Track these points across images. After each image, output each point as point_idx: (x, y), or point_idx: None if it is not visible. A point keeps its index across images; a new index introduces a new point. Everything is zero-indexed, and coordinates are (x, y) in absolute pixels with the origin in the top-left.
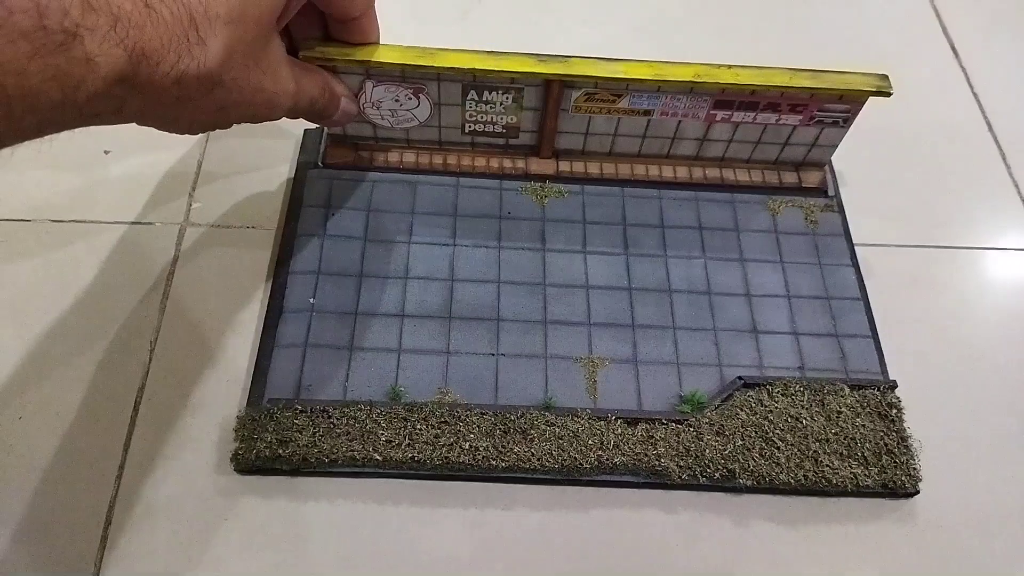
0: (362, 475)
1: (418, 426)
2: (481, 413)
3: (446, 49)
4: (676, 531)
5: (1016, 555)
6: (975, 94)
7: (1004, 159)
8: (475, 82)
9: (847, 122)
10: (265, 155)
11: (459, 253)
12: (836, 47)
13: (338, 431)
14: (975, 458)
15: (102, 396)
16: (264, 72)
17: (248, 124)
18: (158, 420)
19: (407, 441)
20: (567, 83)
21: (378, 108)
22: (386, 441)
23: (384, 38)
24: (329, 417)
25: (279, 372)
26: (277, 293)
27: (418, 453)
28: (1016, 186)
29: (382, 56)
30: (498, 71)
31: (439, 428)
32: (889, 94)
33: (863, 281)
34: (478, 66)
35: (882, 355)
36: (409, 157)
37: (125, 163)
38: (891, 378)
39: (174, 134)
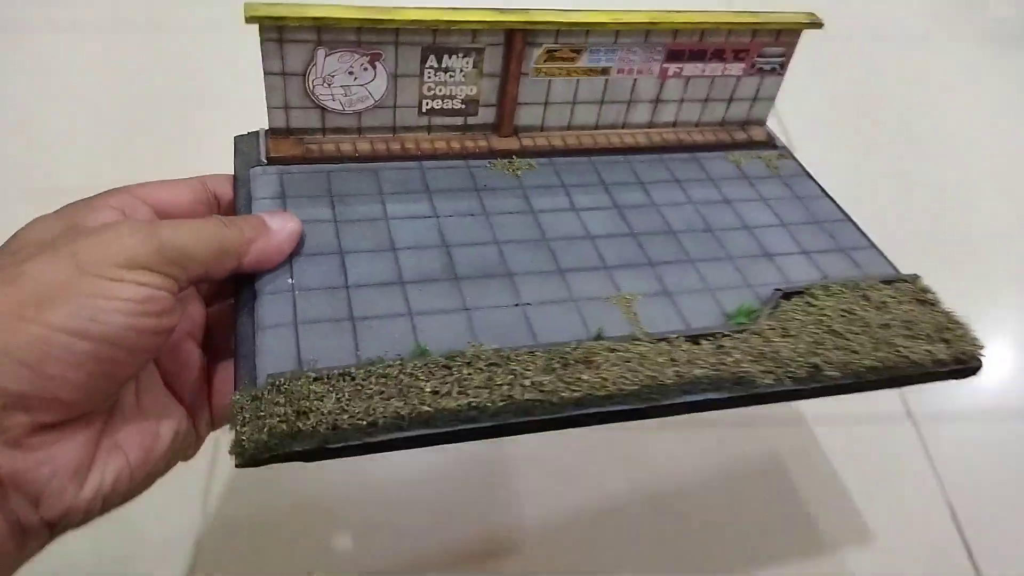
0: (409, 442)
1: (464, 371)
2: (530, 352)
3: (403, 7)
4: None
5: None
6: None
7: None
8: (435, 44)
9: (783, 68)
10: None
11: (445, 223)
12: None
13: (368, 391)
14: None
15: None
16: None
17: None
18: None
19: (457, 388)
20: (529, 37)
21: (329, 86)
22: (432, 392)
23: None
24: (353, 379)
25: (270, 351)
26: (244, 282)
27: (474, 398)
28: None
29: (337, 13)
30: (461, 22)
31: (489, 371)
32: (821, 25)
33: (842, 208)
34: (440, 19)
35: (890, 261)
36: (363, 146)
37: None
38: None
39: None
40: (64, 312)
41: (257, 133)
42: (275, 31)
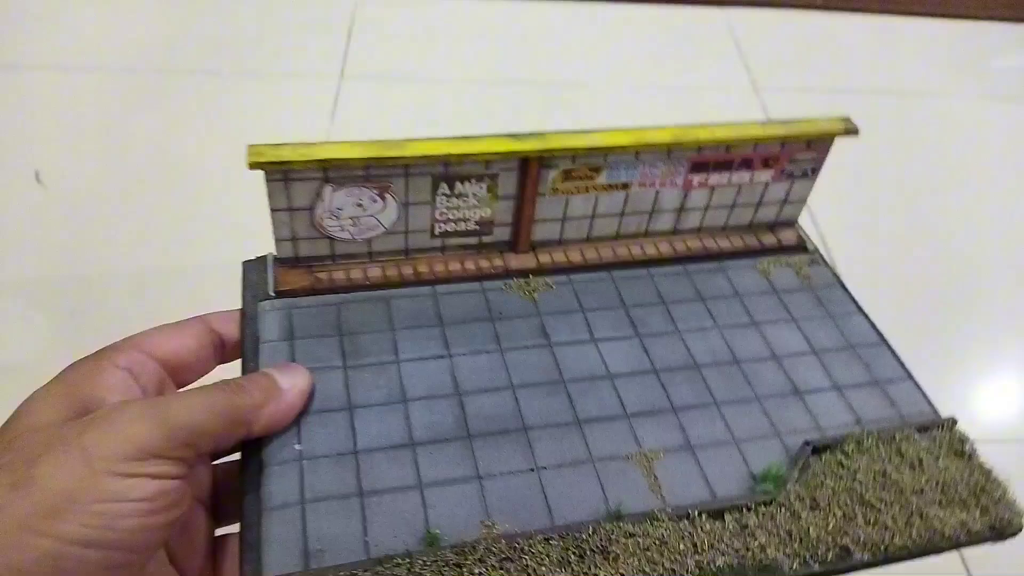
0: None
1: (476, 570)
2: (546, 539)
3: (412, 139)
4: None
5: None
6: None
7: None
8: (446, 173)
9: (815, 171)
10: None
11: (459, 363)
12: None
13: None
14: None
15: None
16: None
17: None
18: None
19: None
20: (545, 162)
21: (337, 218)
22: None
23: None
24: None
25: (276, 541)
26: (250, 445)
27: None
28: None
29: (343, 153)
30: (473, 154)
31: (502, 568)
32: (856, 132)
33: (877, 328)
34: (451, 151)
35: (927, 396)
36: (374, 271)
37: None
38: (944, 417)
39: None
40: (77, 522)
41: (265, 259)
42: (280, 173)
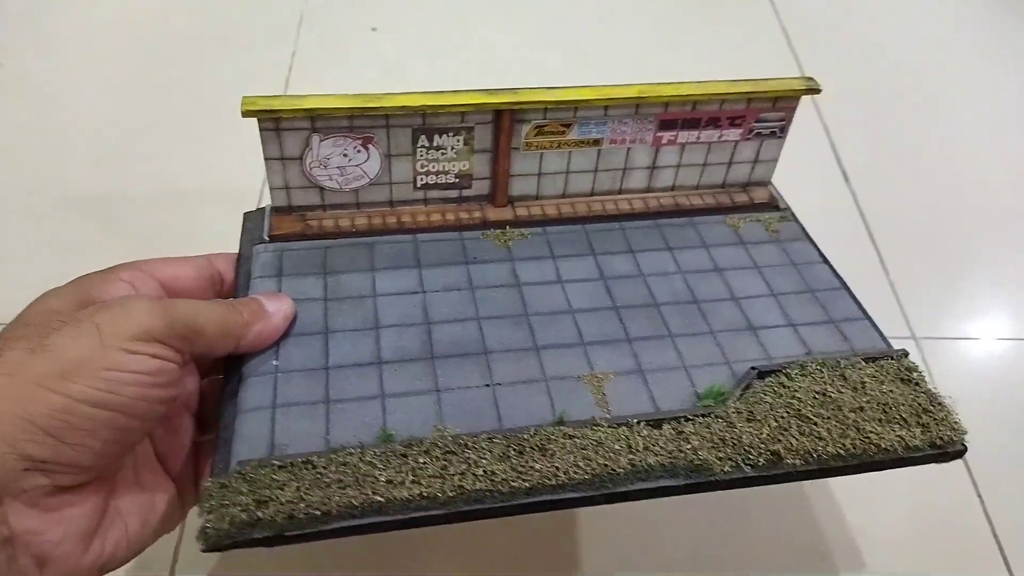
0: (362, 529)
1: (420, 459)
2: (489, 438)
3: (391, 93)
4: None
5: None
6: None
7: None
8: (424, 125)
9: (783, 131)
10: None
11: (431, 299)
12: None
13: (327, 480)
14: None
15: None
16: None
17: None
18: None
19: (410, 478)
20: (517, 116)
21: (325, 167)
22: (386, 482)
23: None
24: (314, 467)
25: (246, 436)
26: (232, 361)
27: (426, 488)
28: None
29: (328, 103)
30: (448, 105)
31: (445, 459)
32: (819, 91)
33: (839, 275)
34: (427, 103)
35: (882, 334)
36: (360, 220)
37: None
38: (896, 349)
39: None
40: (86, 384)
41: (264, 209)
42: (271, 122)
